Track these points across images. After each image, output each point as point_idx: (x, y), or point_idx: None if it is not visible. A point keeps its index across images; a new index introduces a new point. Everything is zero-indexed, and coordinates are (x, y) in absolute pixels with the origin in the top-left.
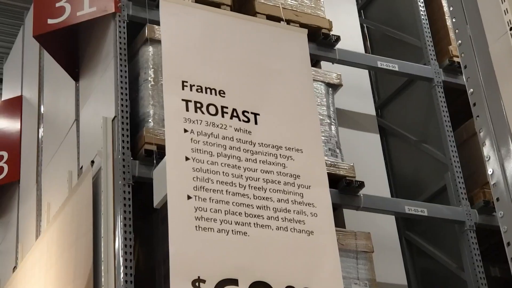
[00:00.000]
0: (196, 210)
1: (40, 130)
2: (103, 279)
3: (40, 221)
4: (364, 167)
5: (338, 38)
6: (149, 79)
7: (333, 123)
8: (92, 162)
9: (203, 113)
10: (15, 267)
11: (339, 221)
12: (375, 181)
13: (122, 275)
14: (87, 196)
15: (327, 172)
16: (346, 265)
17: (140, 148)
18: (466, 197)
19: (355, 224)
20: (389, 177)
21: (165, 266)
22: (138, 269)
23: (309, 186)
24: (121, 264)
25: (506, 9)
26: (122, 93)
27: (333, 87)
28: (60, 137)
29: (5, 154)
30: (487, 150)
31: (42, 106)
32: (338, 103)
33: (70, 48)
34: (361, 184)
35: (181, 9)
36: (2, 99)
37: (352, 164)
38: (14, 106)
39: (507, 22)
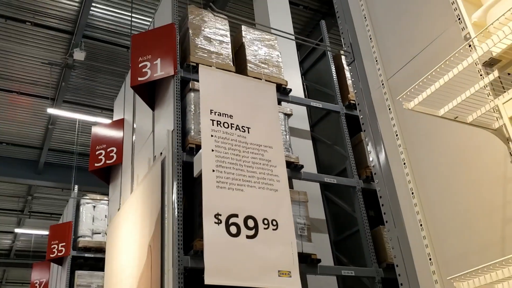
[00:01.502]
0: (216, 177)
1: (133, 137)
2: (166, 216)
3: (132, 184)
4: (303, 158)
5: (290, 90)
6: (192, 110)
7: (287, 134)
8: (161, 153)
9: (221, 126)
10: (119, 209)
11: (291, 185)
12: (309, 165)
13: (176, 216)
14: (158, 172)
15: (285, 160)
16: (294, 208)
17: (186, 146)
18: (357, 173)
19: (299, 187)
20: (316, 163)
21: (200, 208)
22: (184, 211)
23: (276, 166)
24: (176, 209)
25: (379, 68)
26: (177, 117)
27: (288, 115)
28: (144, 140)
29: (114, 149)
30: (370, 148)
31: (134, 124)
32: (290, 124)
33: (150, 93)
34: (302, 166)
35: (210, 71)
36: (113, 120)
37: (297, 156)
38: (120, 123)
39: (381, 81)
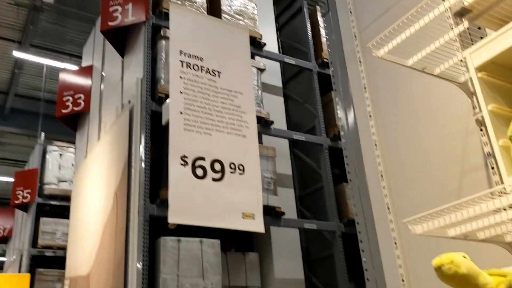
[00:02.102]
0: (184, 120)
1: (102, 84)
2: (133, 164)
3: (100, 132)
4: (274, 114)
5: (264, 44)
6: (162, 58)
7: (259, 89)
8: (129, 101)
9: (190, 69)
10: (85, 156)
11: (260, 140)
12: (279, 122)
13: (144, 163)
14: (126, 120)
15: (256, 115)
16: (262, 163)
17: (156, 95)
18: (325, 132)
19: (268, 143)
20: (287, 120)
21: (167, 151)
22: (153, 161)
23: (245, 112)
24: (143, 158)
25: (353, 20)
26: (147, 65)
27: (261, 70)
28: (112, 88)
29: (82, 96)
30: (338, 100)
31: (103, 71)
32: (263, 79)
33: (121, 39)
34: (272, 122)
35: (182, 11)
36: (82, 66)
37: (268, 112)
38: (88, 70)
39: (354, 33)
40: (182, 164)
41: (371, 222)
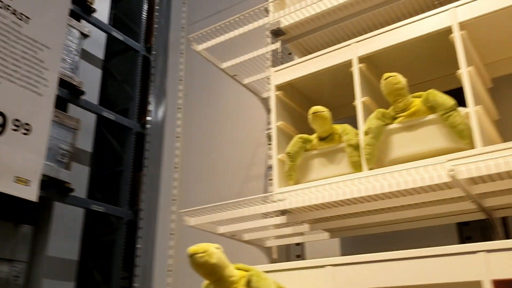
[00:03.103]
0: None
1: None
2: None
3: None
4: (88, 85)
5: (95, 10)
6: None
7: (78, 55)
8: None
9: None
10: None
11: (66, 109)
12: (92, 94)
13: None
14: None
15: (67, 81)
16: (61, 132)
17: None
18: (137, 116)
19: (74, 114)
20: (101, 94)
21: None
22: None
23: (48, 69)
24: None
25: (185, 11)
26: None
27: (84, 36)
28: None
29: None
30: (152, 93)
31: None
32: (85, 46)
33: None
34: (83, 93)
35: None
36: None
37: (81, 81)
38: None
39: (183, 23)
40: None
41: (155, 210)
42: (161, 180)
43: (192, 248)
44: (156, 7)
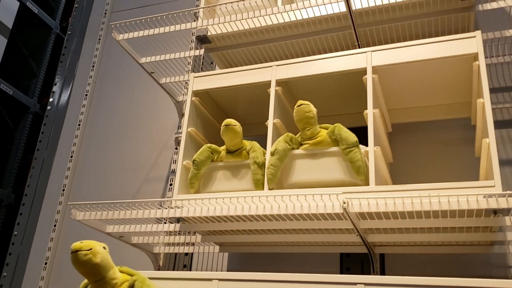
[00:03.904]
0: None
1: None
2: None
3: None
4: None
5: None
6: None
7: None
8: None
9: None
10: None
11: None
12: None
13: None
14: None
15: None
16: None
17: None
18: (39, 95)
19: None
20: (1, 66)
21: None
22: None
23: None
24: None
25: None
26: None
27: None
28: None
29: None
30: (59, 74)
31: None
32: None
33: None
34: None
35: None
36: None
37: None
38: None
39: (105, 9)
40: None
41: (40, 197)
42: (53, 167)
43: (77, 244)
44: None
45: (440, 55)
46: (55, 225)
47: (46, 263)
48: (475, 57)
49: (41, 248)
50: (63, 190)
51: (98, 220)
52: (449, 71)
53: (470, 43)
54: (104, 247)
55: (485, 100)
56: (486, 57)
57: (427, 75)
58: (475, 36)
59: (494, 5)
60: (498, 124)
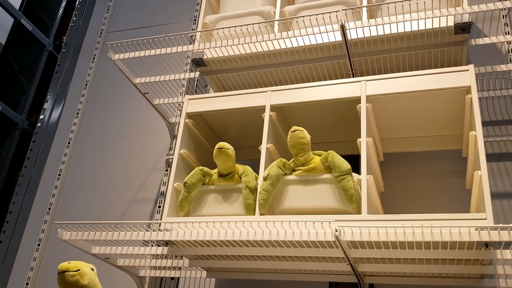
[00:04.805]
0: None
1: None
2: None
3: None
4: None
5: None
6: None
7: None
8: None
9: None
10: None
11: None
12: None
13: None
14: None
15: None
16: None
17: None
18: (28, 112)
19: None
20: None
21: None
22: None
23: None
24: None
25: (106, 17)
26: None
27: None
28: None
29: None
30: (51, 92)
31: None
32: None
33: None
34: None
35: None
36: None
37: None
38: None
39: (101, 29)
40: None
41: (25, 216)
42: (40, 185)
43: (64, 265)
44: (77, 6)
45: (434, 87)
46: (38, 245)
47: (27, 283)
48: (467, 90)
49: (23, 268)
50: (49, 208)
51: (85, 241)
52: (441, 103)
53: (463, 77)
54: (92, 269)
55: (478, 133)
56: (478, 91)
57: (420, 106)
58: (468, 70)
59: (486, 40)
60: (489, 157)
